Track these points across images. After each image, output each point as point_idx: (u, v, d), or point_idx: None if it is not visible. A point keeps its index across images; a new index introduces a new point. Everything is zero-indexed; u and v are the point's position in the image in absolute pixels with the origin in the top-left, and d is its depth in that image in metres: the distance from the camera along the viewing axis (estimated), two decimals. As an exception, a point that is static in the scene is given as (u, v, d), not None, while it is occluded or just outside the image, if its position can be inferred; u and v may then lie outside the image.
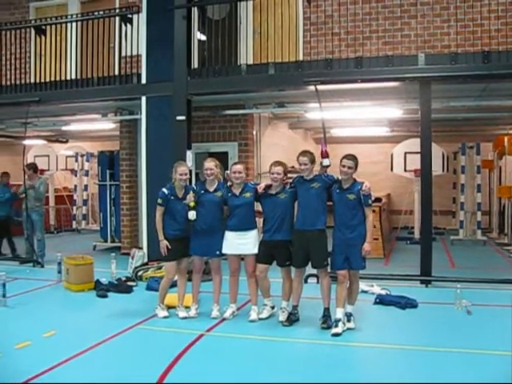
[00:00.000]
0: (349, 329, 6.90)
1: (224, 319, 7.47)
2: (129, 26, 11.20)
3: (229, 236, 7.46)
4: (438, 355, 6.02)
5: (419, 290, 9.26)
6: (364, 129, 16.41)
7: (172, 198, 7.53)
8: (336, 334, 6.70)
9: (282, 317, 7.31)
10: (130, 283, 9.72)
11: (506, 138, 14.51)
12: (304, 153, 7.25)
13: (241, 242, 7.40)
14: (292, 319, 7.24)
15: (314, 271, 7.60)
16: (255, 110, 12.74)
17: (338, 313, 6.90)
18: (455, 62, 9.57)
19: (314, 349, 6.38)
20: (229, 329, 7.11)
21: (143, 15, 11.03)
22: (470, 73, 9.59)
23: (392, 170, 15.63)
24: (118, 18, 11.57)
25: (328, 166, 8.10)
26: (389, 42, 10.47)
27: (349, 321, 7.01)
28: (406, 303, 8.12)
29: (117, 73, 11.70)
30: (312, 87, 10.03)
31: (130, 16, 11.19)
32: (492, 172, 16.88)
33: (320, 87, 9.92)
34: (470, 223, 15.70)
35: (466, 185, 15.66)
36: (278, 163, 7.39)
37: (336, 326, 6.80)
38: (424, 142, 9.82)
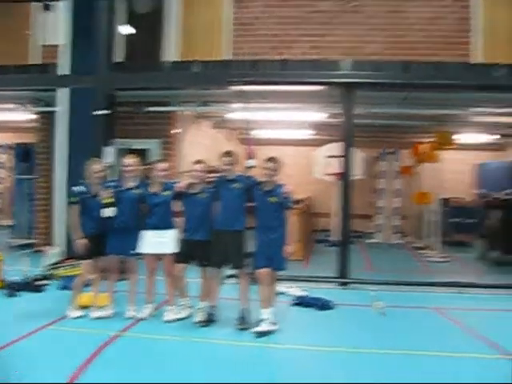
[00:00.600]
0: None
1: (140, 319, 7.31)
2: (50, 13, 10.76)
3: (147, 235, 7.30)
4: (354, 356, 6.12)
5: (337, 292, 9.41)
6: (288, 131, 16.51)
7: (87, 195, 7.28)
8: (259, 333, 6.72)
9: (199, 317, 7.22)
10: (42, 282, 9.33)
11: (423, 146, 14.97)
12: (227, 153, 7.21)
13: (159, 241, 7.26)
14: (209, 320, 7.16)
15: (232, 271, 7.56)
16: (178, 108, 12.54)
17: (264, 313, 6.90)
18: (379, 69, 9.79)
19: (232, 350, 6.33)
20: (145, 329, 6.96)
21: (68, 3, 10.61)
22: (392, 81, 9.85)
23: (314, 173, 15.79)
24: (36, 4, 11.08)
25: (252, 167, 8.08)
26: (315, 47, 10.60)
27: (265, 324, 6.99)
28: (323, 305, 8.22)
29: (35, 62, 11.22)
30: (237, 87, 9.99)
31: (49, 3, 10.74)
32: (410, 178, 17.38)
33: (245, 88, 9.90)
34: (388, 227, 16.14)
35: (384, 190, 16.07)
36: (199, 161, 7.30)
37: (260, 325, 6.81)
38: (345, 147, 9.98)
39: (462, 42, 11.02)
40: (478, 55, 11.01)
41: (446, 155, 14.87)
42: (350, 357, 6.12)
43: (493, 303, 9.06)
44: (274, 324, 6.96)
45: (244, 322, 7.00)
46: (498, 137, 16.09)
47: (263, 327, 6.80)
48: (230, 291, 7.82)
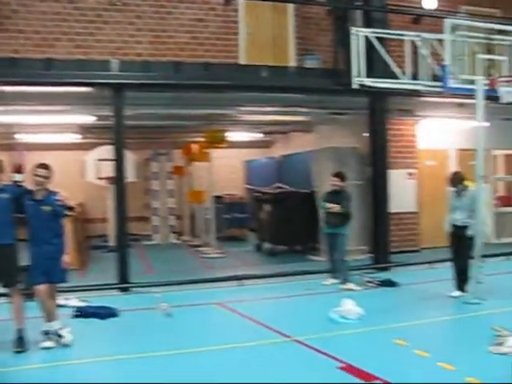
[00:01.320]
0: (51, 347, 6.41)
1: None
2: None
3: None
4: (145, 361, 5.95)
5: (119, 298, 9.15)
6: (56, 135, 15.62)
7: None
8: (47, 347, 6.29)
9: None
10: None
11: (194, 146, 15.28)
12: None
13: None
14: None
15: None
16: None
17: (49, 326, 6.44)
18: (148, 70, 9.70)
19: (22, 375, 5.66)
20: None
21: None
22: (162, 81, 9.84)
23: (85, 177, 15.20)
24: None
25: (21, 181, 7.43)
26: (81, 46, 10.15)
27: (52, 338, 6.50)
28: (106, 313, 7.89)
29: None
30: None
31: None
32: (183, 177, 17.64)
33: (4, 88, 9.09)
34: (164, 228, 16.19)
35: (158, 191, 16.08)
36: None
37: (48, 339, 6.38)
38: (117, 149, 9.74)
39: (230, 44, 11.46)
40: (244, 57, 11.55)
41: (218, 153, 15.35)
42: (141, 362, 5.94)
43: (270, 292, 9.60)
44: (62, 337, 6.49)
45: (22, 344, 6.38)
46: (264, 135, 17.10)
47: (49, 342, 6.31)
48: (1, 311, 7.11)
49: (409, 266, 11.53)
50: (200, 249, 14.75)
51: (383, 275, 10.48)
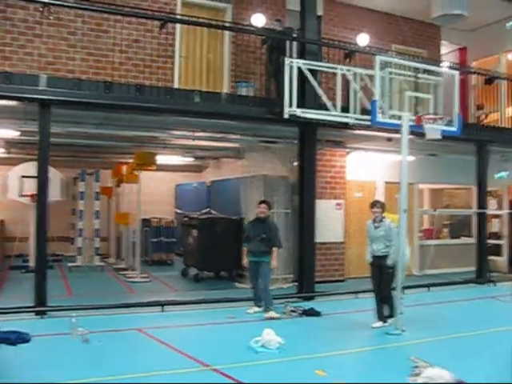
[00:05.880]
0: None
1: None
2: None
3: None
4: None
5: (34, 322, 8.77)
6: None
7: None
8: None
9: None
10: None
11: (123, 167, 15.04)
12: None
13: None
14: None
15: None
16: None
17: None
18: (79, 87, 9.47)
19: None
20: None
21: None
22: (93, 100, 9.61)
23: (8, 194, 14.65)
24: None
25: None
26: (9, 58, 9.82)
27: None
28: (17, 338, 7.48)
29: None
30: None
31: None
32: (111, 199, 17.30)
33: None
34: (89, 249, 15.75)
35: (84, 211, 15.65)
36: None
37: None
38: (41, 166, 9.42)
39: (164, 67, 11.42)
40: (178, 81, 11.52)
41: (148, 176, 15.16)
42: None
43: (193, 318, 9.45)
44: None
45: None
46: (196, 159, 17.06)
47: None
48: None
49: (333, 295, 11.64)
50: (124, 272, 14.42)
51: (307, 304, 10.51)
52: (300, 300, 11.01)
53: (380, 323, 8.99)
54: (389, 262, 8.92)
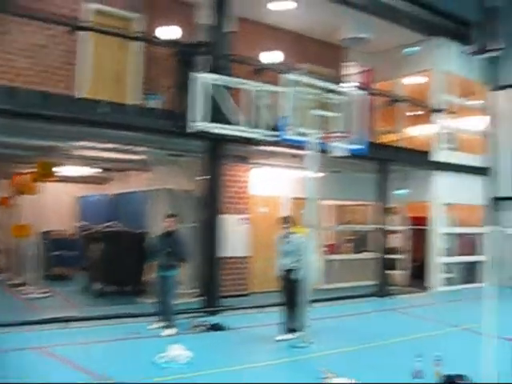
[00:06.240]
0: None
1: None
2: None
3: None
4: None
5: None
6: None
7: None
8: None
9: None
10: None
11: (23, 177, 14.40)
12: None
13: None
14: None
15: None
16: None
17: None
18: (-23, 92, 8.99)
19: None
20: None
21: None
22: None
23: None
24: None
25: None
26: None
27: None
28: None
29: None
30: None
31: None
32: (8, 210, 16.46)
33: None
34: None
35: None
36: None
37: None
38: None
39: (69, 74, 11.07)
40: (85, 90, 11.20)
41: (48, 187, 14.59)
42: None
43: (95, 335, 9.20)
44: None
45: None
46: (100, 170, 16.60)
47: None
48: None
49: (239, 309, 11.70)
50: (21, 288, 13.72)
51: (213, 319, 10.50)
52: (206, 315, 10.97)
53: (286, 336, 9.13)
54: (297, 275, 9.10)
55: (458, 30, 16.59)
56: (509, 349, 7.43)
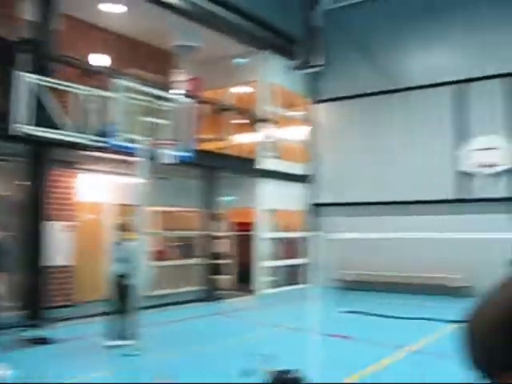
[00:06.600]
0: None
1: None
2: None
3: None
4: None
5: None
6: None
7: None
8: None
9: None
10: None
11: None
12: None
13: None
14: None
15: None
16: None
17: None
18: None
19: None
20: None
21: None
22: None
23: None
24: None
25: None
26: None
27: None
28: None
29: None
30: None
31: None
32: None
33: None
34: None
35: None
36: None
37: None
38: None
39: None
40: None
41: None
42: None
43: None
44: None
45: None
46: None
47: None
48: None
49: (66, 320, 11.18)
50: None
51: (37, 332, 9.92)
52: (29, 328, 10.31)
53: (116, 342, 8.95)
54: (129, 281, 9.03)
55: (285, 46, 17.48)
56: (332, 344, 7.99)
